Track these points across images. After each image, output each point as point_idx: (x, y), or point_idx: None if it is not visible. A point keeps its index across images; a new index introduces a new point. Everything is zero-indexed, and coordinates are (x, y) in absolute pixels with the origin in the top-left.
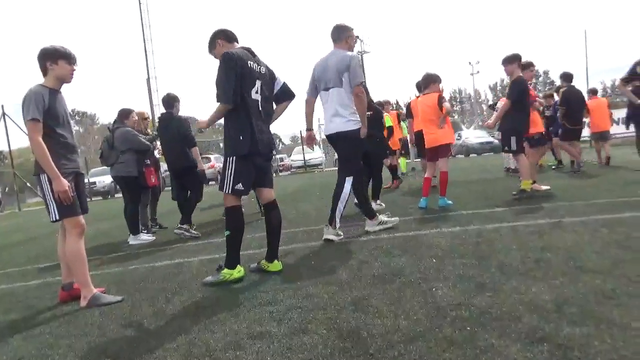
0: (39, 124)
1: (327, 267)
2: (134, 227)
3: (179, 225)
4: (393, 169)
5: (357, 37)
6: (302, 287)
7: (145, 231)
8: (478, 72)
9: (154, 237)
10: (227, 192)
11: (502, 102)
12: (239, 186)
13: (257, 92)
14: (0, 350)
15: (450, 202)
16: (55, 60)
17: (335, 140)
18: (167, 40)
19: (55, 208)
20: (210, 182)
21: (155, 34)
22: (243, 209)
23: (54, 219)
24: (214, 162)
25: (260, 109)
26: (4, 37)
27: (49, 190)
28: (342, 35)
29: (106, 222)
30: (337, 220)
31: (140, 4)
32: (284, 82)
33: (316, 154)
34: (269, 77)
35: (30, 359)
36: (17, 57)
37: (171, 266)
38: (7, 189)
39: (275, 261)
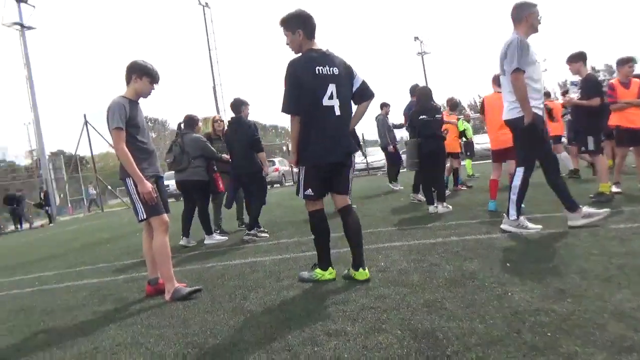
0: (123, 132)
1: (397, 269)
2: (208, 228)
3: (247, 232)
4: (455, 172)
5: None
6: (374, 288)
7: (219, 232)
8: (545, 69)
9: (227, 238)
10: (300, 197)
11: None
12: (309, 192)
13: (330, 98)
14: (100, 336)
15: (522, 205)
16: (140, 75)
17: (510, 128)
18: (230, 48)
19: (141, 208)
20: (274, 185)
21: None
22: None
23: (141, 219)
24: (278, 166)
25: (337, 114)
26: (83, 50)
27: (135, 192)
28: (521, 13)
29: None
30: (513, 211)
31: (204, 14)
32: (363, 81)
33: (379, 157)
34: (346, 77)
35: (126, 346)
36: (95, 68)
37: (245, 265)
38: (89, 191)
39: (361, 269)
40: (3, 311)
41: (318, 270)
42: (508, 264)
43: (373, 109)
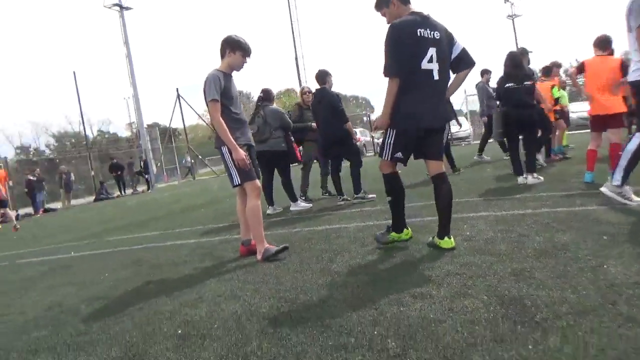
0: (218, 104)
1: (483, 238)
2: (293, 195)
3: (355, 195)
4: (547, 143)
5: None
6: (459, 255)
7: (304, 198)
8: None
9: (312, 205)
10: (386, 159)
11: None
12: (398, 155)
13: (430, 61)
14: (202, 289)
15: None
16: (234, 49)
17: (634, 91)
18: (312, 19)
19: (236, 174)
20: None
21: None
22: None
23: (236, 184)
24: (360, 136)
25: (435, 78)
26: (176, 27)
27: (230, 159)
28: None
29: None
30: (618, 176)
31: None
32: (463, 48)
33: (463, 127)
34: (446, 43)
35: (226, 297)
36: (186, 44)
37: (330, 230)
38: (183, 160)
39: (446, 238)
40: (118, 264)
41: (393, 234)
42: (605, 237)
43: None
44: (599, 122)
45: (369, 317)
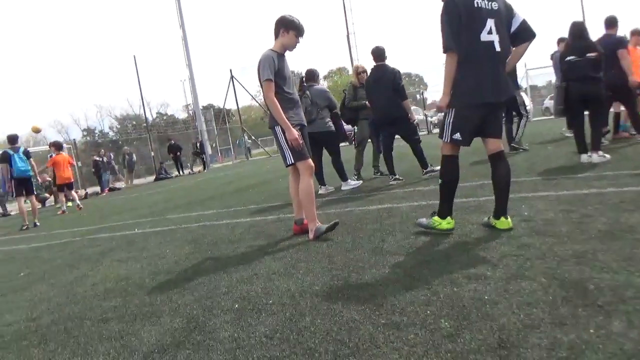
0: (272, 84)
1: (542, 219)
2: (343, 174)
3: (424, 171)
4: (616, 118)
5: None
6: (516, 236)
7: (356, 177)
8: None
9: (362, 182)
10: (446, 140)
11: None
12: (457, 136)
13: (489, 33)
14: (257, 266)
15: None
16: (287, 29)
17: None
18: None
19: (290, 154)
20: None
21: None
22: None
23: (289, 163)
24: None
25: (497, 49)
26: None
27: (284, 139)
28: None
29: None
30: None
31: None
32: (524, 20)
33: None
34: (506, 14)
35: (280, 274)
36: (239, 26)
37: (382, 210)
38: (237, 141)
39: (503, 218)
40: (179, 241)
41: (436, 218)
42: None
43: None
44: None
45: (421, 296)
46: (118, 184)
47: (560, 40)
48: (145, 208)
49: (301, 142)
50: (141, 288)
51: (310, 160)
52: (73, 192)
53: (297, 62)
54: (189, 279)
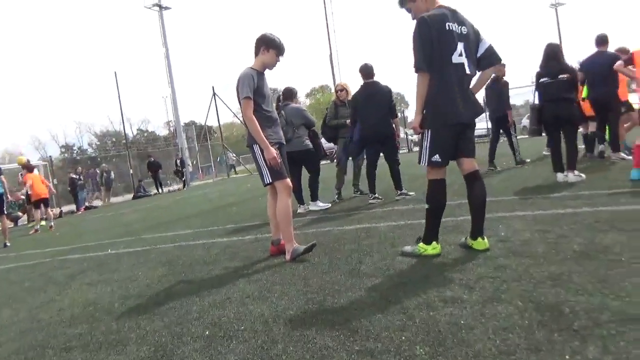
0: (251, 102)
1: (519, 239)
2: (315, 194)
3: (398, 192)
4: (589, 138)
5: None
6: (493, 257)
7: (337, 195)
8: None
9: (330, 205)
10: (424, 163)
11: None
12: (436, 157)
13: (460, 55)
14: (231, 289)
15: None
16: (268, 48)
17: None
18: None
19: (268, 172)
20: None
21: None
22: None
23: (267, 182)
24: (399, 133)
25: (467, 72)
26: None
27: (262, 158)
28: None
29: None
30: None
31: None
32: (490, 45)
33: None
34: (474, 39)
35: (254, 298)
36: (221, 43)
37: (360, 230)
38: (218, 158)
39: (479, 239)
40: (152, 262)
41: (421, 245)
42: None
43: None
44: None
45: (397, 321)
46: (95, 202)
47: None
48: (120, 227)
49: (279, 161)
50: (109, 314)
51: (288, 180)
52: (49, 211)
53: (280, 80)
54: (160, 303)
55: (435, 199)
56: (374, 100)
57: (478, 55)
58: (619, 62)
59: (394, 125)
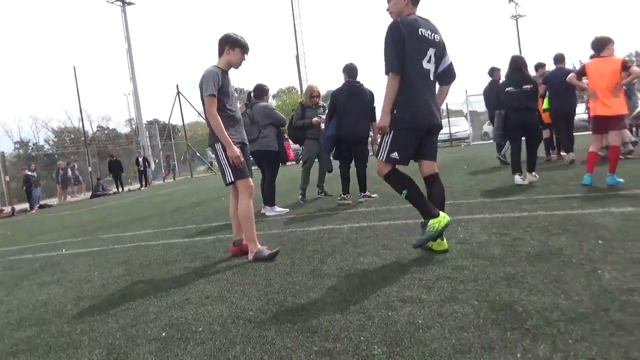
0: (215, 99)
1: (477, 241)
2: (271, 199)
3: (362, 194)
4: (548, 143)
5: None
6: (452, 259)
7: (301, 196)
8: None
9: (288, 210)
10: (381, 159)
11: None
12: (394, 155)
13: (429, 61)
14: (191, 289)
15: (621, 179)
16: (233, 47)
17: None
18: (314, 15)
19: (229, 172)
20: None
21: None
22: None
23: (229, 182)
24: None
25: (432, 79)
26: (176, 23)
27: (224, 156)
28: None
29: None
30: None
31: None
32: (451, 62)
33: (463, 127)
34: (442, 48)
35: (214, 299)
36: (186, 41)
37: (323, 231)
38: (182, 157)
39: (439, 240)
40: (109, 263)
41: (432, 221)
42: (600, 242)
43: None
44: (601, 124)
45: (356, 321)
46: (50, 201)
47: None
48: (77, 227)
49: (242, 160)
50: (61, 315)
51: (250, 180)
52: None
53: (246, 81)
54: (115, 304)
55: (402, 182)
56: (356, 100)
57: (439, 69)
58: (570, 75)
59: (371, 129)
